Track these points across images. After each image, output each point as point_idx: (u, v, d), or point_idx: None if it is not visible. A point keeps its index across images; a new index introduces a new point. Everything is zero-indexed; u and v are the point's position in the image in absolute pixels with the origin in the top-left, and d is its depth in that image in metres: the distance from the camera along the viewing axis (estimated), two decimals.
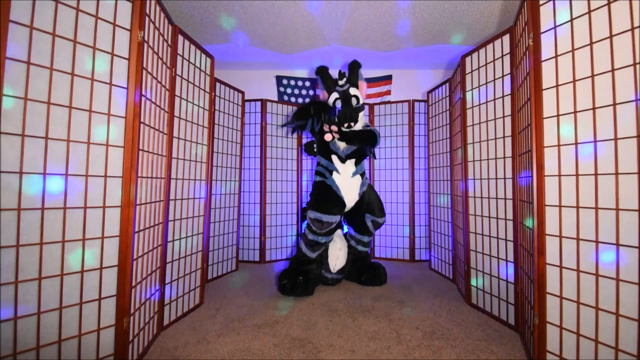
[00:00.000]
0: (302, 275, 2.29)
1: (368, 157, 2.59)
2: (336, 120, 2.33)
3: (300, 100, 4.06)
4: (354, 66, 2.45)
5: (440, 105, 2.87)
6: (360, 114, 2.40)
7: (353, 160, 2.45)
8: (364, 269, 2.56)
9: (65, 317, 1.21)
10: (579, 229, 1.26)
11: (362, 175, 2.51)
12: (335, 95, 2.38)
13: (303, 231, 2.45)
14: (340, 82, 2.42)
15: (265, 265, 3.18)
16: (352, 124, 2.33)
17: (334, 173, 2.43)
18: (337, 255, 2.50)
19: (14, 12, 1.10)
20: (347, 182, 2.42)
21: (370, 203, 2.47)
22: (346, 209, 2.46)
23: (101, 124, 1.29)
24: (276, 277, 2.56)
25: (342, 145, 2.43)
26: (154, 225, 1.61)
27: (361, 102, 2.40)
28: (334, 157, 2.44)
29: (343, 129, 2.34)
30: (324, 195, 2.37)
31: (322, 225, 2.28)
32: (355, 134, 2.36)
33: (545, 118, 1.36)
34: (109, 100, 1.31)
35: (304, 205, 2.87)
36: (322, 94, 2.51)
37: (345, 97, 2.35)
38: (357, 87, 2.42)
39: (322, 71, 2.45)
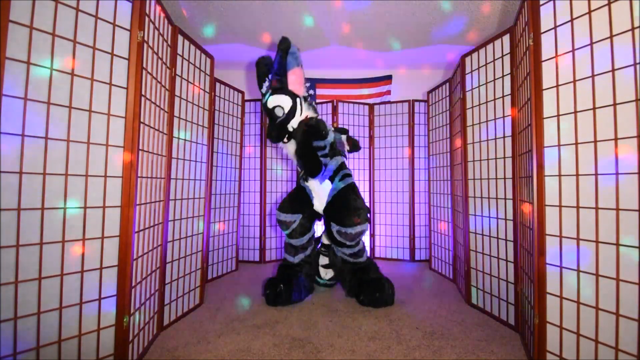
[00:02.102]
0: (285, 284, 2.09)
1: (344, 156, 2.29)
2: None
3: None
4: (279, 49, 1.93)
5: (440, 105, 2.87)
6: (297, 119, 2.02)
7: None
8: (363, 285, 2.10)
9: (65, 317, 1.21)
10: (579, 229, 1.26)
11: (333, 178, 2.15)
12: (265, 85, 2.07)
13: None
14: (262, 90, 2.04)
15: (265, 265, 3.18)
16: (285, 140, 2.05)
17: (308, 178, 2.19)
18: (326, 271, 2.41)
19: (14, 12, 1.09)
20: (316, 185, 2.18)
21: (336, 209, 2.06)
22: (318, 211, 2.23)
23: (101, 124, 1.29)
24: (263, 284, 2.40)
25: (292, 154, 2.15)
26: (154, 225, 1.61)
27: (287, 108, 1.96)
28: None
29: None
30: (290, 195, 2.26)
31: (282, 225, 2.17)
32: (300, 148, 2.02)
33: (545, 118, 1.36)
34: (109, 100, 1.31)
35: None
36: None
37: (267, 111, 2.04)
38: (281, 90, 1.97)
39: (257, 65, 2.10)
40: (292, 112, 1.99)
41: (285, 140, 2.06)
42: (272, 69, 2.02)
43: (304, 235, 2.21)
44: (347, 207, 2.05)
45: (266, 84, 2.05)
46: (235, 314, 1.99)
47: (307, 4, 2.62)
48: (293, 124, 2.03)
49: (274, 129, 2.01)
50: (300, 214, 2.17)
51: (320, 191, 2.19)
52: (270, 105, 1.99)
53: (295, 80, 1.98)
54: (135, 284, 1.41)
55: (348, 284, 2.21)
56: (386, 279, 2.15)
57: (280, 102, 1.97)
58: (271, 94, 1.99)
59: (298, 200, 2.21)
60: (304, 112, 2.07)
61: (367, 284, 2.10)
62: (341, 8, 2.68)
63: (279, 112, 1.98)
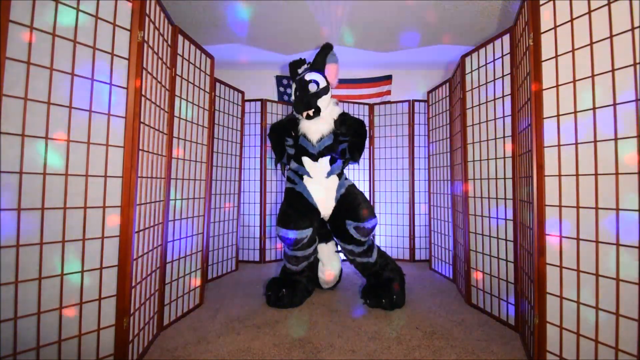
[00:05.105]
0: (288, 287, 2.08)
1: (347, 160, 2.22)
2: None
3: None
4: (323, 48, 2.19)
5: (440, 105, 2.87)
6: (326, 98, 2.09)
7: (327, 158, 2.13)
8: (373, 287, 2.10)
9: (65, 317, 1.21)
10: (579, 229, 1.26)
11: (340, 175, 2.20)
12: (294, 85, 2.14)
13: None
14: (299, 70, 2.18)
15: (265, 265, 3.18)
16: (310, 112, 2.04)
17: (305, 177, 2.14)
18: (328, 281, 2.31)
19: (14, 12, 1.09)
20: (321, 185, 2.12)
21: (349, 206, 2.09)
22: (324, 217, 2.17)
23: (101, 124, 1.29)
24: (264, 285, 2.38)
25: (314, 138, 2.09)
26: (154, 225, 1.61)
27: (322, 85, 2.08)
28: (305, 159, 2.13)
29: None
30: (292, 206, 2.08)
31: (287, 241, 2.02)
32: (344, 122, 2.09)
33: (545, 118, 1.36)
34: (109, 100, 1.31)
35: None
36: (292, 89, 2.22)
37: (301, 84, 2.08)
38: (321, 70, 2.14)
39: (290, 65, 2.22)
40: (324, 91, 2.10)
41: (311, 113, 2.06)
42: (314, 59, 2.19)
43: (311, 246, 2.13)
44: (359, 203, 2.10)
45: (305, 65, 2.21)
46: (235, 314, 1.99)
47: (307, 4, 2.62)
48: (321, 103, 2.08)
49: (306, 98, 2.05)
50: (312, 227, 2.07)
51: (324, 190, 2.13)
52: (307, 78, 2.08)
53: (330, 72, 2.17)
54: (135, 284, 1.41)
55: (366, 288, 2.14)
56: (393, 281, 2.10)
57: (316, 78, 2.08)
58: (309, 70, 2.14)
59: (304, 211, 2.07)
60: (331, 104, 2.16)
61: (375, 286, 2.10)
62: (341, 8, 2.68)
63: (312, 87, 2.06)
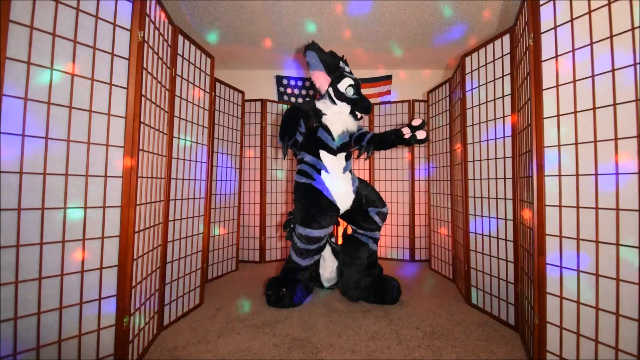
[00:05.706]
0: (288, 286, 2.08)
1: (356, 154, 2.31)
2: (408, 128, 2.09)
3: (300, 100, 4.06)
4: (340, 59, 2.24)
5: (440, 105, 2.87)
6: None
7: (344, 154, 2.17)
8: (375, 284, 2.16)
9: (65, 317, 1.21)
10: (579, 229, 1.26)
11: (351, 171, 2.27)
12: (350, 81, 2.11)
13: (292, 239, 2.19)
14: (348, 69, 2.20)
15: (265, 265, 3.18)
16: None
17: (323, 172, 2.09)
18: (329, 278, 2.34)
19: (14, 12, 1.09)
20: (339, 181, 2.12)
21: (369, 195, 2.19)
22: (342, 212, 2.19)
23: (101, 124, 1.29)
24: (264, 284, 2.40)
25: (337, 131, 2.11)
26: (154, 225, 1.61)
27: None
28: (324, 153, 2.11)
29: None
30: (313, 205, 2.06)
31: (312, 239, 2.05)
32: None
33: (545, 118, 1.36)
34: (109, 100, 1.31)
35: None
36: (318, 75, 2.13)
37: (359, 87, 2.14)
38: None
39: (317, 47, 2.11)
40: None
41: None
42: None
43: (324, 239, 2.18)
44: (373, 191, 2.24)
45: (342, 62, 2.22)
46: (235, 314, 1.99)
47: (307, 4, 2.62)
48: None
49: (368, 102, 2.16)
50: (332, 225, 2.11)
51: (342, 186, 2.13)
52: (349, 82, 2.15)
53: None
54: (135, 284, 1.41)
55: (358, 284, 2.14)
56: (391, 279, 2.21)
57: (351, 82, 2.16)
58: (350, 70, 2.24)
59: (326, 210, 2.06)
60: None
61: (377, 283, 2.16)
62: (341, 10, 2.68)
63: (350, 92, 2.13)
